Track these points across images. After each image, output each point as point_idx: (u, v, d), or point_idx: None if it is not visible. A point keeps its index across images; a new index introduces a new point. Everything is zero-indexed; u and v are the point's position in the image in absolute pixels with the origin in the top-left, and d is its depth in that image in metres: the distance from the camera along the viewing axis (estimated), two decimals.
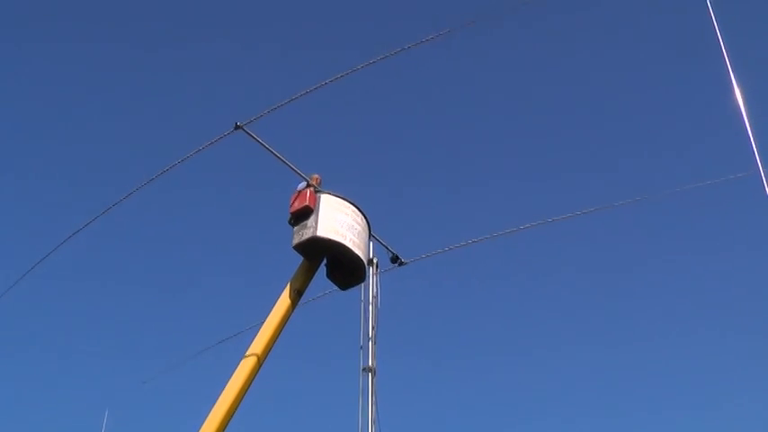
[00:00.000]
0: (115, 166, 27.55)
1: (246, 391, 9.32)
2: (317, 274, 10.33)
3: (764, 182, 7.23)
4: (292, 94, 10.08)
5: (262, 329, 9.71)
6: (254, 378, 9.41)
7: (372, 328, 10.42)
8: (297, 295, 10.02)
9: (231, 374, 9.32)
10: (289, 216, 10.17)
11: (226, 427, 8.98)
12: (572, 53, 28.90)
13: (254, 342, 9.60)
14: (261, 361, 9.50)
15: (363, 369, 10.18)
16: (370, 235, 10.71)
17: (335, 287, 10.62)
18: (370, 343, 10.34)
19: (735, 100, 7.91)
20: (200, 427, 8.88)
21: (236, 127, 10.06)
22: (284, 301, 9.94)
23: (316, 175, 10.43)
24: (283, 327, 9.85)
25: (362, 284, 10.57)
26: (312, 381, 25.06)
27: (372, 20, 31.25)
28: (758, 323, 25.00)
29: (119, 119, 30.07)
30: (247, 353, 9.53)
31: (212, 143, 10.22)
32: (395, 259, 11.15)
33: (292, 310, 9.98)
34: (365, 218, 10.55)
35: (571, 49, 28.56)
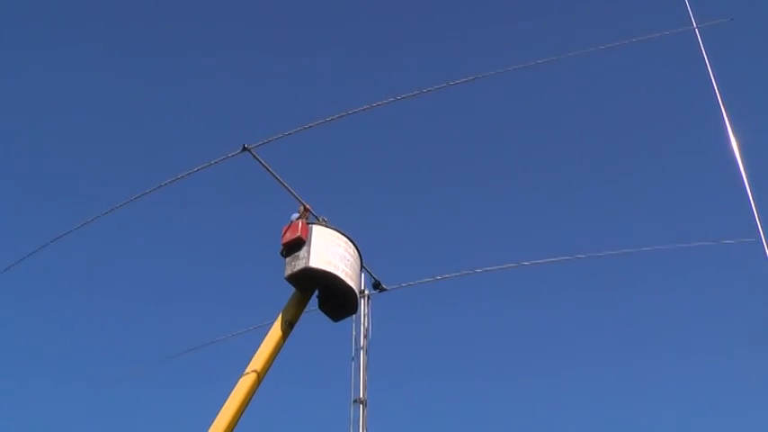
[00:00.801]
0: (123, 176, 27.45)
1: (236, 423, 9.27)
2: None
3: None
4: (300, 120, 10.53)
5: (252, 361, 9.65)
6: (242, 413, 9.35)
7: (363, 359, 10.43)
8: (288, 327, 9.99)
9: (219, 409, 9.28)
10: (281, 247, 10.19)
11: None
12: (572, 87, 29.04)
13: (243, 377, 9.54)
14: (251, 393, 9.45)
15: (354, 401, 10.17)
16: (362, 266, 10.72)
17: (327, 318, 10.60)
18: (362, 374, 10.34)
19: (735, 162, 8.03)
20: None
21: (244, 149, 10.19)
22: (275, 332, 9.89)
23: (306, 206, 10.49)
24: (274, 359, 9.81)
25: (354, 315, 10.60)
26: (301, 412, 24.93)
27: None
28: None
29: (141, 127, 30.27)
30: (236, 386, 9.47)
31: (218, 162, 10.40)
32: (376, 285, 11.16)
33: (283, 342, 9.93)
34: (357, 249, 10.56)
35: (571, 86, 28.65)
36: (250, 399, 9.42)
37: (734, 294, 26.43)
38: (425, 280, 11.74)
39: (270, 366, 9.72)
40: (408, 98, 10.46)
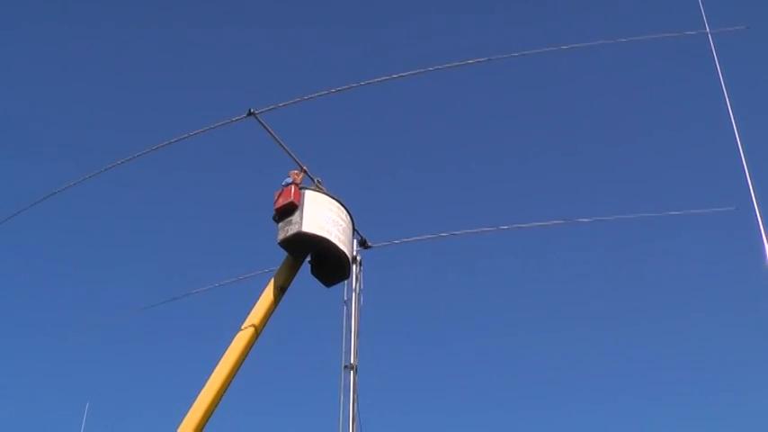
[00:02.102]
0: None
1: (229, 385, 9.26)
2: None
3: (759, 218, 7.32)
4: (306, 86, 10.66)
5: (237, 337, 9.53)
6: (235, 375, 9.34)
7: (355, 325, 10.40)
8: (280, 292, 9.93)
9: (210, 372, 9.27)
10: (273, 212, 10.11)
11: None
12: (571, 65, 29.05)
13: (234, 340, 9.50)
14: (242, 357, 9.42)
15: (345, 367, 10.15)
16: (354, 232, 10.66)
17: (319, 283, 10.56)
18: (353, 341, 10.31)
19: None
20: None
21: (249, 113, 10.24)
22: (267, 297, 9.84)
23: (304, 167, 10.48)
24: (266, 324, 9.76)
25: (346, 282, 10.55)
26: (291, 378, 25.01)
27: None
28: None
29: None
30: (229, 348, 9.44)
31: (224, 124, 10.49)
32: (362, 243, 11.10)
33: (275, 307, 9.89)
34: (349, 214, 10.49)
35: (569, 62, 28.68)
36: (240, 363, 9.38)
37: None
38: (411, 239, 11.72)
39: (261, 331, 9.67)
40: (410, 76, 10.71)
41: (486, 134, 30.90)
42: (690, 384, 25.67)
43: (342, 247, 10.12)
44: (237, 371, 9.29)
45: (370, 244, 11.15)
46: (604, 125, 29.32)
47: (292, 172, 10.41)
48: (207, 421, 8.92)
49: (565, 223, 12.20)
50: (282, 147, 10.47)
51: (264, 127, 10.33)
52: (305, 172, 10.41)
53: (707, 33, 9.53)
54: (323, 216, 10.09)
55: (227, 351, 9.35)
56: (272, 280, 9.99)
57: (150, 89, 31.18)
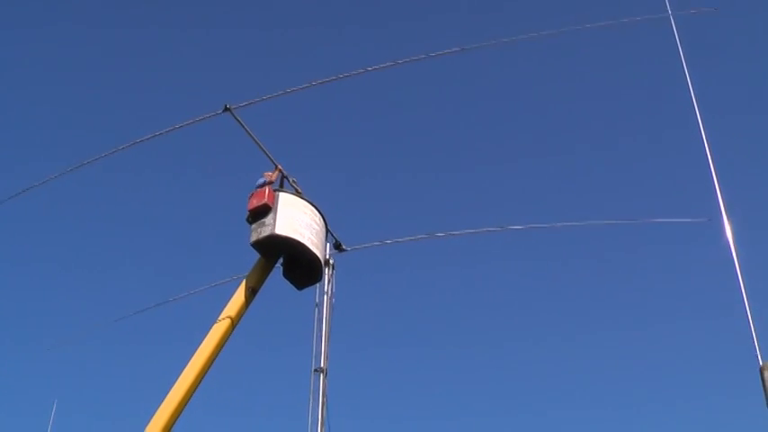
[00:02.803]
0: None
1: (200, 381, 9.22)
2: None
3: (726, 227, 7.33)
4: (283, 83, 10.73)
5: (213, 327, 9.56)
6: (207, 370, 9.30)
7: (326, 328, 10.41)
8: (251, 294, 9.92)
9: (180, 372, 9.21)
10: (246, 213, 10.10)
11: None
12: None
13: (206, 339, 9.48)
14: (212, 358, 9.39)
15: (315, 370, 10.14)
16: (327, 235, 10.68)
17: (291, 286, 10.55)
18: (323, 344, 10.32)
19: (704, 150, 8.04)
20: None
21: (225, 109, 10.29)
22: (238, 299, 9.82)
23: (279, 166, 10.50)
24: (237, 325, 9.74)
25: (318, 285, 10.56)
26: (261, 380, 24.97)
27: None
28: None
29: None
30: (198, 349, 9.40)
31: (199, 120, 10.53)
32: (337, 246, 11.11)
33: (246, 309, 9.88)
34: (323, 218, 10.52)
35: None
36: (209, 365, 9.31)
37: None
38: (385, 242, 11.72)
39: (231, 332, 9.63)
40: (386, 68, 10.67)
41: (459, 137, 31.05)
42: (661, 388, 25.95)
43: (315, 250, 10.14)
44: (210, 366, 9.25)
45: (344, 247, 11.18)
46: (576, 129, 29.61)
47: (266, 173, 10.42)
48: (176, 420, 8.87)
49: (501, 230, 12.02)
50: (257, 144, 10.52)
51: (240, 123, 10.38)
52: (279, 170, 10.43)
53: (669, 16, 9.03)
54: (297, 219, 10.11)
55: (201, 345, 9.33)
56: (244, 281, 9.98)
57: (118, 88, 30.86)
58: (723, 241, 7.26)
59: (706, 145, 8.22)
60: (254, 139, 10.45)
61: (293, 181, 10.52)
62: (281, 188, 10.40)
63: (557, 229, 12.23)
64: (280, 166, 10.44)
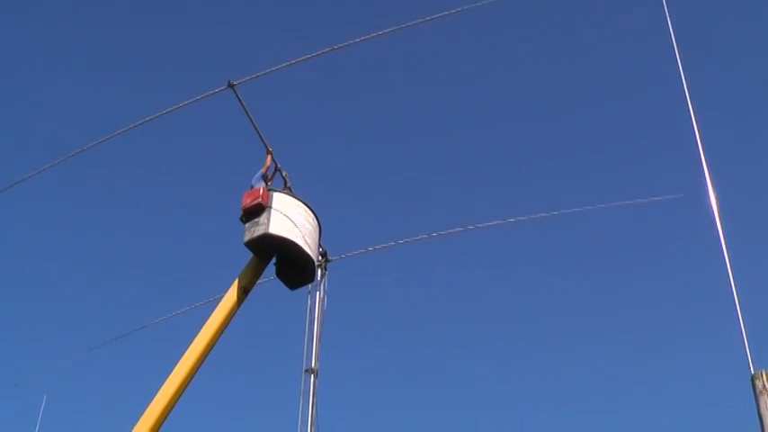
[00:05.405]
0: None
1: (190, 380, 9.19)
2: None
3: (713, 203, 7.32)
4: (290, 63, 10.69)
5: (204, 327, 9.53)
6: (194, 374, 9.26)
7: (317, 329, 10.38)
8: (243, 293, 9.87)
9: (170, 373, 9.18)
10: (240, 213, 10.06)
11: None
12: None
13: (195, 338, 9.45)
14: (203, 357, 9.35)
15: (306, 370, 10.12)
16: (320, 235, 10.64)
17: (284, 286, 10.51)
18: (315, 344, 10.29)
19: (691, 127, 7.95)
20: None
21: (229, 85, 10.33)
22: (230, 298, 9.78)
23: (269, 149, 10.53)
24: (227, 325, 9.70)
25: (310, 285, 10.53)
26: (252, 380, 24.92)
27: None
28: None
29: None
30: (189, 348, 9.36)
31: (203, 97, 10.60)
32: (323, 254, 11.07)
33: (237, 308, 9.82)
34: (317, 218, 10.48)
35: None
36: (199, 365, 9.30)
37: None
38: (368, 249, 11.61)
39: (222, 332, 9.61)
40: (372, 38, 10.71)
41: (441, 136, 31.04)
42: (657, 390, 25.99)
43: (308, 250, 10.10)
44: (200, 366, 9.25)
45: (329, 257, 11.13)
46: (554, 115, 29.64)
47: (263, 169, 10.45)
48: (164, 421, 8.83)
49: (470, 230, 11.77)
50: (253, 124, 10.54)
51: (240, 102, 10.40)
52: (270, 154, 10.47)
53: None
54: (291, 218, 10.06)
55: (191, 345, 9.32)
56: (236, 281, 9.93)
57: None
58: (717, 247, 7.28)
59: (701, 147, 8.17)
60: (251, 119, 10.48)
61: (285, 175, 10.56)
62: (273, 186, 10.39)
63: (524, 222, 11.77)
64: (270, 150, 10.50)
